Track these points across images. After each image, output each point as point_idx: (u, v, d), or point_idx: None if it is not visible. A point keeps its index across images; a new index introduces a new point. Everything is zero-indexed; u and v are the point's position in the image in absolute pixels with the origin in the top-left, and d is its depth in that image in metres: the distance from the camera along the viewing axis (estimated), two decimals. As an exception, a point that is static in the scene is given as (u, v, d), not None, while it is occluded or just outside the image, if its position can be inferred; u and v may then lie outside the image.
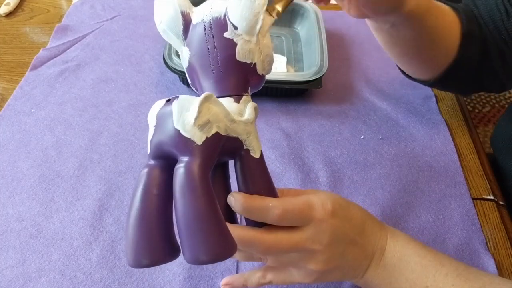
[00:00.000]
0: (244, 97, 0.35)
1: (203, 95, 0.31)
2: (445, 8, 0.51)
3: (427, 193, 0.53)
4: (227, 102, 0.34)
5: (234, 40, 0.33)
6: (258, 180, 0.35)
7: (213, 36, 0.34)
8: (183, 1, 0.34)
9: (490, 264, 0.47)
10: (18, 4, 0.80)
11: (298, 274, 0.36)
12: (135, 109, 0.61)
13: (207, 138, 0.31)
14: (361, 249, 0.37)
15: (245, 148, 0.34)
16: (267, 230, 0.34)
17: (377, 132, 0.61)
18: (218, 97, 0.33)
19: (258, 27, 0.33)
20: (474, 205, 0.52)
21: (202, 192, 0.29)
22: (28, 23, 0.77)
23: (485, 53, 0.52)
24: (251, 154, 0.34)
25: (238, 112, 0.34)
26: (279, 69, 0.67)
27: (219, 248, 0.29)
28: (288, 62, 0.69)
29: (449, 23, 0.50)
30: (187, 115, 0.30)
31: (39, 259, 0.45)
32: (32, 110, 0.60)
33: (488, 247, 0.49)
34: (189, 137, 0.30)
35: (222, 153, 0.33)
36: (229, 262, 0.45)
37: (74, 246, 0.46)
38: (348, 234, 0.36)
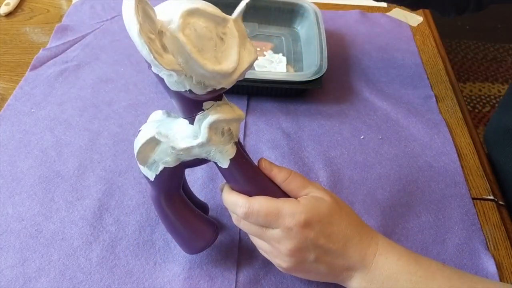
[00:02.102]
0: (197, 117, 0.35)
1: (144, 137, 0.37)
2: None
3: (427, 193, 0.53)
4: (185, 125, 0.36)
5: (160, 74, 0.32)
6: (233, 183, 0.39)
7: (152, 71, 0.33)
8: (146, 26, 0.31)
9: (490, 264, 0.47)
10: (18, 4, 0.80)
11: (273, 257, 0.39)
12: (135, 109, 0.61)
13: (156, 175, 0.38)
14: (340, 261, 0.37)
15: (211, 161, 0.37)
16: (253, 198, 0.37)
17: (377, 132, 0.61)
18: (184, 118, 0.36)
19: (156, 63, 0.29)
20: (474, 205, 0.53)
21: (166, 212, 0.41)
22: (28, 23, 0.77)
23: None
24: (219, 165, 0.37)
25: (193, 134, 0.36)
26: (279, 69, 0.67)
27: (195, 245, 0.43)
28: (288, 62, 0.69)
29: None
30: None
31: (39, 259, 0.45)
32: (32, 110, 0.60)
33: (488, 247, 0.49)
34: (144, 174, 0.39)
35: (193, 165, 0.39)
36: (229, 262, 0.45)
37: (74, 246, 0.46)
38: (322, 246, 0.37)
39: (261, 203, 0.37)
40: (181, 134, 0.36)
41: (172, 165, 0.38)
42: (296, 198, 0.38)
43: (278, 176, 0.38)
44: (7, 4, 0.78)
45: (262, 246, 0.39)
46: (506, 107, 0.68)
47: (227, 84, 0.33)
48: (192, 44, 0.30)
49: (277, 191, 0.38)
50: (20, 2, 0.80)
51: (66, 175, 0.52)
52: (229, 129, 0.36)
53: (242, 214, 0.37)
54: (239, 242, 0.47)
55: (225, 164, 0.37)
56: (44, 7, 0.81)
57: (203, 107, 0.35)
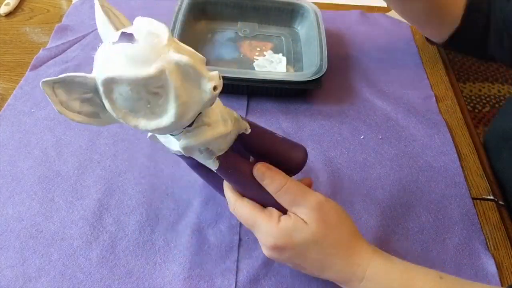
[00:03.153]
0: (172, 136, 0.36)
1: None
2: None
3: (427, 193, 0.53)
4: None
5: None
6: (229, 182, 0.40)
7: None
8: None
9: (490, 264, 0.47)
10: (18, 4, 0.80)
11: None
12: (135, 109, 0.61)
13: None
14: (317, 275, 0.39)
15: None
16: (240, 201, 0.39)
17: (377, 132, 0.61)
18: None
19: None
20: (474, 205, 0.53)
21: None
22: (28, 23, 0.77)
23: (488, 27, 0.59)
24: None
25: None
26: (279, 69, 0.67)
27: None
28: (288, 62, 0.69)
29: None
30: None
31: (39, 259, 0.45)
32: (32, 110, 0.60)
33: (488, 247, 0.49)
34: None
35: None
36: (229, 262, 0.45)
37: (74, 246, 0.46)
38: (298, 264, 0.38)
39: (243, 211, 0.38)
40: (174, 138, 0.37)
41: (179, 154, 0.39)
42: (285, 212, 0.38)
43: (269, 187, 0.37)
44: (7, 4, 0.78)
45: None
46: (506, 114, 0.68)
47: (180, 127, 0.33)
48: (119, 109, 0.29)
49: (269, 197, 0.38)
50: (20, 2, 0.80)
51: (66, 175, 0.52)
52: (207, 148, 0.35)
53: (230, 209, 0.40)
54: (239, 242, 0.47)
55: (215, 167, 0.37)
56: (44, 7, 0.80)
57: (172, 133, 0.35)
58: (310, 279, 0.45)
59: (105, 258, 0.45)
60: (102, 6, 0.32)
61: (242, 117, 0.38)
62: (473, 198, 0.53)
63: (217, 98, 0.34)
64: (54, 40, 0.72)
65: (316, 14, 0.70)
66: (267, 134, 0.40)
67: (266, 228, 0.37)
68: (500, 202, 0.54)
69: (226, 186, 0.40)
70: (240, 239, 0.47)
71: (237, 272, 0.45)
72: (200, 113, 0.33)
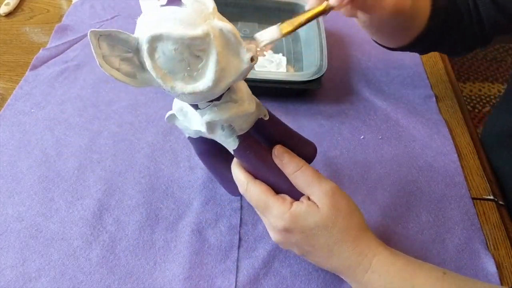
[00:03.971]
0: (197, 111, 0.36)
1: (170, 110, 0.40)
2: None
3: (427, 193, 0.53)
4: (195, 114, 0.38)
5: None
6: (241, 163, 0.40)
7: None
8: None
9: (490, 264, 0.47)
10: (18, 4, 0.80)
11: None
12: (135, 109, 0.61)
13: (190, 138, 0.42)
14: (326, 265, 0.39)
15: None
16: (253, 183, 0.39)
17: (377, 132, 0.61)
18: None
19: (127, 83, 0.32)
20: (474, 205, 0.53)
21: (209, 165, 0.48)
22: (28, 23, 0.77)
23: (455, 14, 0.55)
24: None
25: (200, 121, 0.37)
26: (279, 69, 0.67)
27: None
28: (288, 62, 0.69)
29: (421, 3, 0.53)
30: None
31: (39, 259, 0.45)
32: (32, 110, 0.60)
33: (488, 247, 0.49)
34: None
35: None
36: (229, 262, 0.45)
37: (74, 246, 0.46)
38: (306, 249, 0.38)
39: (255, 192, 0.38)
40: (196, 116, 0.38)
41: (194, 136, 0.41)
42: (300, 197, 0.38)
43: (287, 168, 0.38)
44: (7, 4, 0.78)
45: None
46: (501, 111, 0.68)
47: (213, 96, 0.33)
48: (159, 69, 0.30)
49: (283, 183, 0.38)
50: (20, 2, 0.80)
51: (66, 175, 0.52)
52: (230, 125, 0.36)
53: (240, 191, 0.40)
54: (239, 242, 0.47)
55: (231, 151, 0.38)
56: (44, 7, 0.80)
57: (198, 106, 0.35)
58: (310, 279, 0.45)
59: (105, 258, 0.45)
60: None
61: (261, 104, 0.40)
62: (473, 198, 0.53)
63: (243, 80, 0.36)
64: (54, 40, 0.72)
65: (316, 14, 0.70)
66: (282, 125, 0.42)
67: (278, 210, 0.37)
68: (500, 202, 0.54)
69: (237, 168, 0.40)
70: (240, 239, 0.47)
71: (237, 272, 0.45)
72: (229, 88, 0.34)
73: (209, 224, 0.48)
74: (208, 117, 0.35)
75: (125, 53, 0.30)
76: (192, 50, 0.30)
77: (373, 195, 0.53)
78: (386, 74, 0.70)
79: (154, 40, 0.29)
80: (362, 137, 0.60)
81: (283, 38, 0.74)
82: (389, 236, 0.49)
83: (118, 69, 0.31)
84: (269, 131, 0.40)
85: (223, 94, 0.35)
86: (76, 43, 0.71)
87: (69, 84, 0.64)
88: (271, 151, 0.39)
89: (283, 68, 0.67)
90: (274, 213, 0.37)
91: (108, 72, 0.30)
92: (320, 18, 0.68)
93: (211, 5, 0.31)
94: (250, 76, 0.59)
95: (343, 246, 0.37)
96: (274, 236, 0.39)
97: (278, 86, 0.61)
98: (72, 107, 0.61)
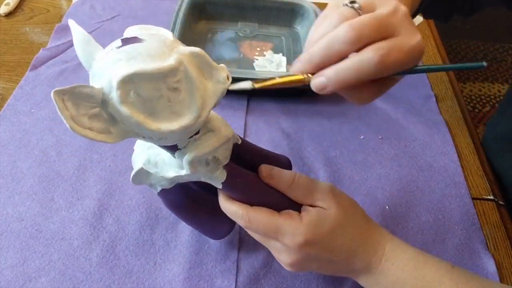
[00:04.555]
0: (176, 154, 0.33)
1: (135, 167, 0.37)
2: None
3: (427, 193, 0.53)
4: (167, 158, 0.35)
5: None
6: (232, 196, 0.37)
7: None
8: None
9: (490, 264, 0.47)
10: (18, 4, 0.80)
11: (275, 255, 0.39)
12: (135, 109, 0.61)
13: (159, 191, 0.39)
14: (344, 268, 0.38)
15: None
16: (254, 211, 0.36)
17: (377, 132, 0.61)
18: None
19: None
20: (474, 205, 0.53)
21: (179, 214, 0.44)
22: (28, 23, 0.77)
23: None
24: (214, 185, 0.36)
25: (179, 165, 0.34)
26: (279, 69, 0.67)
27: (213, 236, 0.46)
28: (288, 62, 0.69)
29: None
30: None
31: (39, 259, 0.45)
32: (32, 110, 0.60)
33: (488, 247, 0.49)
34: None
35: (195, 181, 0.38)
36: (229, 262, 0.45)
37: (74, 246, 0.46)
38: (325, 259, 0.36)
39: (260, 218, 0.35)
40: (169, 162, 0.35)
41: (168, 186, 0.38)
42: (301, 205, 0.37)
43: (280, 185, 0.37)
44: (7, 4, 0.78)
45: (266, 246, 0.39)
46: (504, 113, 0.68)
47: (198, 128, 0.31)
48: (138, 114, 0.27)
49: (280, 201, 0.37)
50: (20, 2, 0.80)
51: (66, 175, 0.52)
52: (214, 157, 0.34)
53: (243, 225, 0.36)
54: (239, 242, 0.47)
55: (219, 186, 0.36)
56: (44, 7, 0.80)
57: (178, 146, 0.32)
58: (310, 279, 0.45)
59: (105, 258, 0.45)
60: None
61: None
62: (473, 198, 0.53)
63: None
64: (54, 40, 0.72)
65: (316, 14, 0.70)
66: (254, 146, 0.40)
67: (291, 228, 0.35)
68: (500, 202, 0.54)
69: (229, 202, 0.37)
70: (240, 239, 0.47)
71: (237, 272, 0.45)
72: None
73: (209, 224, 0.48)
74: (190, 155, 0.32)
75: (91, 109, 0.27)
76: (169, 84, 0.27)
77: (373, 195, 0.53)
78: (386, 74, 0.70)
79: (126, 83, 0.26)
80: (362, 137, 0.60)
81: (283, 38, 0.74)
82: (389, 236, 0.49)
83: (90, 128, 0.27)
84: (244, 156, 0.38)
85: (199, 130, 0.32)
86: (76, 43, 0.71)
87: (69, 84, 0.64)
88: (256, 174, 0.37)
89: (283, 68, 0.68)
90: (288, 231, 0.35)
91: (82, 134, 0.26)
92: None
93: (169, 34, 0.29)
94: (250, 76, 0.59)
95: (358, 240, 0.37)
96: (291, 257, 0.36)
97: (278, 86, 0.61)
98: (72, 107, 0.61)
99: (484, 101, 1.77)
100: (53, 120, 0.59)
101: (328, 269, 0.38)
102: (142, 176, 0.36)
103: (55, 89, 0.25)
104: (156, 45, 0.27)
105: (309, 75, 0.32)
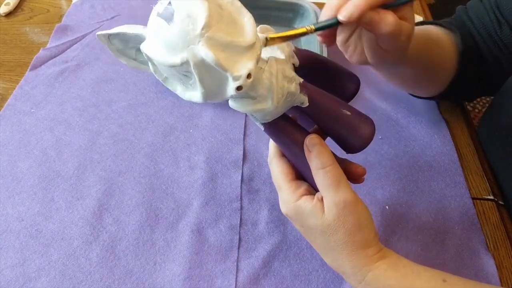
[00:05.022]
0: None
1: None
2: (439, 34, 0.55)
3: (427, 193, 0.53)
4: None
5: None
6: (274, 141, 0.39)
7: None
8: None
9: (490, 264, 0.47)
10: (18, 4, 0.80)
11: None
12: (135, 109, 0.61)
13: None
14: (325, 259, 0.39)
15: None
16: (277, 160, 0.40)
17: (377, 132, 0.60)
18: None
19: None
20: (474, 205, 0.53)
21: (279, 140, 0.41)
22: (28, 23, 0.77)
23: (482, 64, 0.56)
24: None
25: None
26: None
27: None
28: (288, 62, 0.69)
29: (444, 50, 0.54)
30: None
31: (39, 259, 0.45)
32: (32, 110, 0.60)
33: (488, 247, 0.49)
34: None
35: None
36: (229, 262, 0.45)
37: (74, 246, 0.46)
38: (306, 236, 0.40)
39: (275, 169, 0.39)
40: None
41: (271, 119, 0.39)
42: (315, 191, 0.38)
43: (312, 162, 0.37)
44: (7, 4, 0.78)
45: None
46: (496, 107, 0.68)
47: (218, 101, 0.32)
48: (159, 73, 0.32)
49: (306, 171, 0.37)
50: (20, 2, 0.80)
51: (66, 175, 0.52)
52: (251, 114, 0.35)
53: (268, 160, 0.41)
54: (239, 242, 0.47)
55: (305, 104, 0.36)
56: (44, 7, 0.80)
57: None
58: (310, 279, 0.45)
59: (105, 258, 0.45)
60: None
61: (305, 87, 0.36)
62: (473, 198, 0.53)
63: (271, 71, 0.33)
64: (54, 40, 0.72)
65: (316, 14, 0.70)
66: (330, 111, 0.38)
67: (286, 196, 0.38)
68: (500, 202, 0.54)
69: (271, 143, 0.41)
70: (240, 239, 0.47)
71: (237, 272, 0.45)
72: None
73: (209, 224, 0.48)
74: (230, 103, 0.34)
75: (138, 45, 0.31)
76: (179, 70, 0.29)
77: (373, 195, 0.53)
78: (386, 74, 0.70)
79: (147, 55, 0.30)
80: (362, 137, 0.60)
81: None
82: (389, 236, 0.49)
83: (135, 59, 0.32)
84: (311, 116, 0.37)
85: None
86: (76, 43, 0.71)
87: (69, 84, 0.64)
88: (305, 136, 0.37)
89: (283, 68, 0.67)
90: (282, 196, 0.39)
91: (124, 62, 0.32)
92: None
93: (199, 25, 0.28)
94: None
95: (338, 255, 0.37)
96: (283, 211, 0.40)
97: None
98: (72, 107, 0.61)
99: (484, 101, 1.77)
100: (53, 120, 0.59)
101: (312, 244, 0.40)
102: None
103: (98, 33, 0.31)
104: (177, 35, 0.28)
105: (311, 26, 0.36)
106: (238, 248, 0.47)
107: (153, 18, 0.29)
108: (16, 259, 0.44)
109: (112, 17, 0.77)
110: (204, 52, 0.27)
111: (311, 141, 0.37)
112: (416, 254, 0.48)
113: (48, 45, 0.70)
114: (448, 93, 0.58)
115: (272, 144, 0.40)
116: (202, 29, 0.28)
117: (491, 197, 0.54)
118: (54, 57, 0.68)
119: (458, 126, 0.63)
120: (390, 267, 0.37)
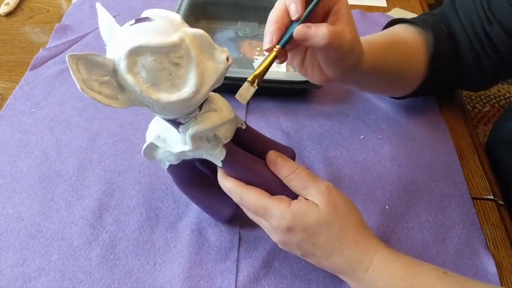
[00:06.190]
0: (179, 129, 0.36)
1: (147, 140, 0.41)
2: (408, 36, 0.54)
3: (427, 193, 0.53)
4: (175, 135, 0.38)
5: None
6: (230, 174, 0.40)
7: None
8: None
9: (490, 263, 0.47)
10: (18, 4, 0.80)
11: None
12: (135, 109, 0.61)
13: (168, 167, 0.43)
14: (327, 264, 0.39)
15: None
16: (246, 190, 0.39)
17: (377, 132, 0.61)
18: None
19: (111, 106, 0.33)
20: (474, 205, 0.53)
21: (186, 193, 0.48)
22: (28, 23, 0.77)
23: (458, 61, 0.55)
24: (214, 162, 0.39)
25: (183, 141, 0.37)
26: (279, 69, 0.67)
27: (218, 218, 0.48)
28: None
29: (412, 51, 0.54)
30: None
31: (39, 259, 0.45)
32: (32, 110, 0.60)
33: (488, 247, 0.49)
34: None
35: (199, 159, 0.40)
36: (229, 262, 0.45)
37: (74, 246, 0.46)
38: (307, 250, 0.38)
39: (252, 198, 0.38)
40: (176, 138, 0.38)
41: (175, 162, 0.41)
42: (297, 196, 0.39)
43: (281, 172, 0.38)
44: (7, 4, 0.78)
45: (258, 224, 0.41)
46: (508, 118, 0.68)
47: (197, 103, 0.33)
48: (142, 83, 0.31)
49: (276, 184, 0.39)
50: (20, 2, 0.80)
51: (66, 175, 0.52)
52: (215, 135, 0.36)
53: (236, 201, 0.40)
54: (239, 242, 0.47)
55: (218, 163, 0.38)
56: (44, 7, 0.80)
57: (182, 122, 0.35)
58: (310, 279, 0.45)
59: (105, 258, 0.45)
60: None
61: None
62: (473, 198, 0.53)
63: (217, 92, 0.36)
64: (54, 40, 0.72)
65: (316, 14, 0.70)
66: (259, 134, 0.42)
67: (278, 211, 0.37)
68: (500, 202, 0.54)
69: (226, 178, 0.39)
70: (240, 239, 0.47)
71: (237, 272, 0.45)
72: (206, 99, 0.35)
73: (209, 224, 0.48)
74: (192, 130, 0.35)
75: (102, 77, 0.31)
76: (171, 58, 0.30)
77: (373, 195, 0.53)
78: (386, 74, 0.70)
79: (133, 54, 0.29)
80: (362, 137, 0.60)
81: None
82: (389, 236, 0.49)
83: (99, 92, 0.31)
84: (248, 140, 0.40)
85: (202, 105, 0.35)
86: (76, 43, 0.71)
87: (69, 84, 0.64)
88: (256, 158, 0.39)
89: (282, 67, 0.68)
90: (274, 214, 0.37)
91: (90, 96, 0.30)
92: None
93: (177, 17, 0.32)
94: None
95: (343, 243, 0.37)
96: (276, 238, 0.39)
97: (278, 86, 0.61)
98: (72, 107, 0.61)
99: (484, 101, 1.77)
100: (53, 120, 0.59)
101: (312, 260, 0.40)
102: (152, 150, 0.41)
103: (70, 54, 0.28)
104: (164, 25, 0.30)
105: (278, 46, 0.37)
106: (238, 248, 0.47)
107: (125, 30, 0.31)
108: (16, 259, 0.44)
109: (112, 17, 0.77)
110: (194, 29, 0.31)
111: (272, 156, 0.39)
112: (416, 254, 0.48)
113: (48, 45, 0.71)
114: (421, 91, 0.58)
115: (231, 182, 0.39)
116: (181, 19, 0.32)
117: (491, 197, 0.54)
118: (54, 57, 0.69)
119: (458, 126, 0.63)
120: (393, 253, 0.38)
